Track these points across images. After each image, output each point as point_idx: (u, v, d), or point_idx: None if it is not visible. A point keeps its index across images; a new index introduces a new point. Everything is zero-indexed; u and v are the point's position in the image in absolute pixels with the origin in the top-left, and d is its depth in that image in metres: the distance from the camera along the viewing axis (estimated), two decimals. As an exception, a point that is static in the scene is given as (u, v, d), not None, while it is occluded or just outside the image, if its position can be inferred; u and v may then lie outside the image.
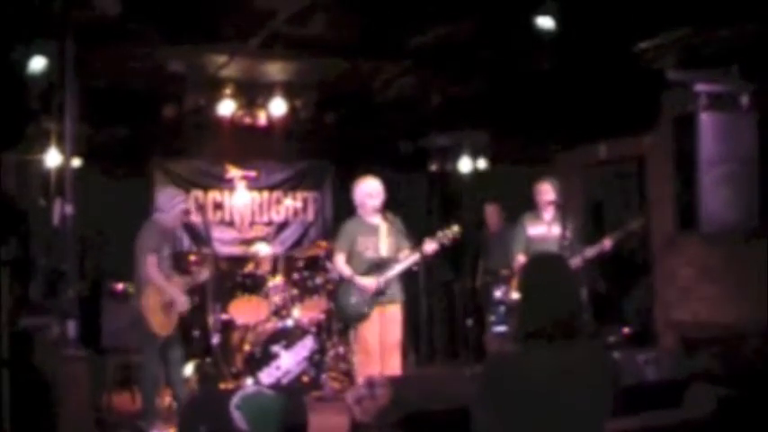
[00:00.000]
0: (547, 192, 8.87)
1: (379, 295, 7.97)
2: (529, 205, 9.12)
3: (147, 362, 8.01)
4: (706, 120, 8.11)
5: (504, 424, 3.32)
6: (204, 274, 8.47)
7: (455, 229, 8.05)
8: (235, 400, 6.44)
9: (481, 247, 11.56)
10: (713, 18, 7.87)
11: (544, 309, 3.40)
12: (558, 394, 3.29)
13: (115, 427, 8.19)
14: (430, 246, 7.96)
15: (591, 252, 8.65)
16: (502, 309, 9.90)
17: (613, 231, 8.73)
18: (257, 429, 6.37)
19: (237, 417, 6.36)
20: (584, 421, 3.34)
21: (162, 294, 7.90)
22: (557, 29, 7.92)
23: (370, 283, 7.95)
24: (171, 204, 8.16)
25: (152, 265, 7.89)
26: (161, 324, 7.89)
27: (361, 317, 7.98)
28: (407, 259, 8.02)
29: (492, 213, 11.47)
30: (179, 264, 8.45)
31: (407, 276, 8.22)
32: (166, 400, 8.47)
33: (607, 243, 8.62)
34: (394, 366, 7.99)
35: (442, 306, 11.98)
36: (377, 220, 8.15)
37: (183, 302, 8.00)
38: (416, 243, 8.07)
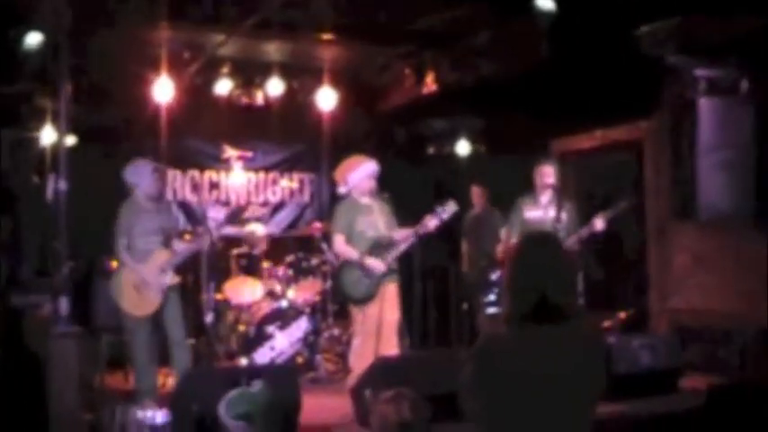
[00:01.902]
0: (549, 174, 8.85)
1: (385, 274, 7.94)
2: (524, 190, 9.09)
3: (131, 342, 7.96)
4: (705, 105, 8.09)
5: (495, 406, 3.29)
6: (183, 247, 8.26)
7: (453, 204, 8.01)
8: (222, 409, 6.27)
9: (465, 229, 11.51)
10: (713, 4, 7.84)
11: (535, 289, 3.35)
12: (547, 377, 3.26)
13: (102, 407, 8.13)
14: (431, 221, 7.91)
15: (584, 232, 8.61)
16: (496, 290, 9.89)
17: (604, 211, 8.67)
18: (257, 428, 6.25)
19: (235, 426, 6.22)
20: (574, 404, 3.31)
21: (134, 273, 7.83)
22: (555, 12, 7.89)
23: (379, 263, 7.89)
24: (139, 174, 8.05)
25: (119, 248, 7.85)
26: (134, 304, 7.80)
27: (369, 297, 7.91)
28: (408, 236, 7.97)
29: (477, 195, 11.44)
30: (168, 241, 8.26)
31: (401, 259, 8.17)
32: (162, 379, 8.41)
33: (598, 223, 8.56)
34: (392, 346, 7.93)
35: (434, 289, 11.93)
36: (368, 200, 8.12)
37: (157, 282, 7.85)
38: (411, 224, 8.01)
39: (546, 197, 8.89)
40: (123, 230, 7.86)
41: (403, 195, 8.73)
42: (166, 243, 8.03)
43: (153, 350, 7.92)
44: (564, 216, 8.68)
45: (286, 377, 6.91)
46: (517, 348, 3.33)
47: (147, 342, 7.85)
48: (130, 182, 8.03)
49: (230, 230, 10.65)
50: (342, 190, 8.29)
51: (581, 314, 3.45)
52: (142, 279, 7.79)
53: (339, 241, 8.07)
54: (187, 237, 9.00)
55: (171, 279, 7.96)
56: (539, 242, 3.63)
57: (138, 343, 7.84)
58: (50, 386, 7.07)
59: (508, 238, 9.02)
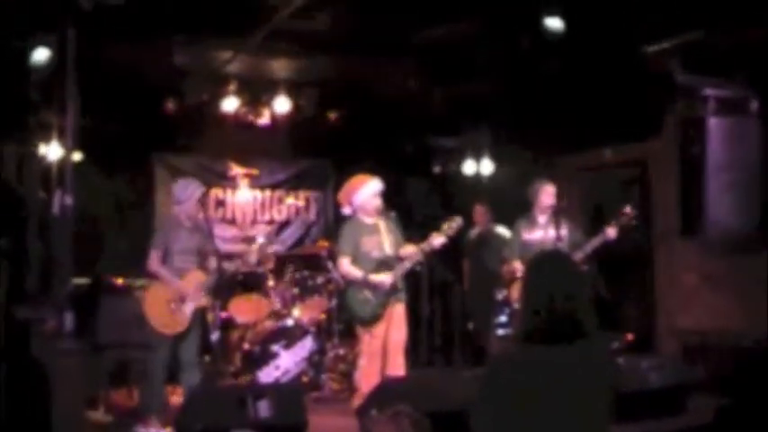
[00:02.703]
0: (551, 194, 8.77)
1: (392, 293, 7.87)
2: (529, 208, 9.02)
3: (149, 359, 7.86)
4: (714, 124, 8.05)
5: (504, 425, 3.26)
6: (214, 267, 8.20)
7: (458, 220, 7.95)
8: None
9: (467, 248, 11.46)
10: (722, 22, 7.82)
11: (545, 309, 3.32)
12: (557, 396, 3.23)
13: (108, 424, 8.08)
14: (437, 240, 7.84)
15: (596, 242, 8.49)
16: (506, 311, 9.83)
17: (611, 222, 8.56)
18: None
19: None
20: (583, 424, 3.27)
21: (167, 290, 7.76)
22: (565, 30, 7.87)
23: (385, 279, 7.81)
24: (188, 193, 7.98)
25: (152, 260, 7.74)
26: (163, 323, 7.69)
27: (376, 318, 7.84)
28: (414, 254, 7.91)
29: (480, 214, 11.39)
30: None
31: (407, 278, 8.12)
32: (170, 398, 8.33)
33: (611, 231, 8.42)
34: (399, 366, 7.86)
35: (439, 308, 11.87)
36: (374, 219, 8.05)
37: (193, 297, 7.76)
38: (417, 242, 7.95)
39: (544, 217, 8.81)
40: (158, 245, 7.80)
41: (409, 212, 8.68)
42: (202, 263, 7.97)
43: (166, 369, 7.85)
44: (564, 234, 8.60)
45: (291, 397, 6.86)
46: (526, 367, 3.30)
47: (166, 360, 7.77)
48: (178, 197, 7.98)
49: (236, 248, 10.65)
50: (346, 212, 8.20)
51: (594, 332, 3.40)
52: (181, 295, 7.74)
53: (344, 264, 7.99)
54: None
55: (203, 300, 7.91)
56: (549, 261, 3.60)
57: (157, 360, 7.74)
58: (55, 402, 7.03)
59: (510, 260, 8.95)
